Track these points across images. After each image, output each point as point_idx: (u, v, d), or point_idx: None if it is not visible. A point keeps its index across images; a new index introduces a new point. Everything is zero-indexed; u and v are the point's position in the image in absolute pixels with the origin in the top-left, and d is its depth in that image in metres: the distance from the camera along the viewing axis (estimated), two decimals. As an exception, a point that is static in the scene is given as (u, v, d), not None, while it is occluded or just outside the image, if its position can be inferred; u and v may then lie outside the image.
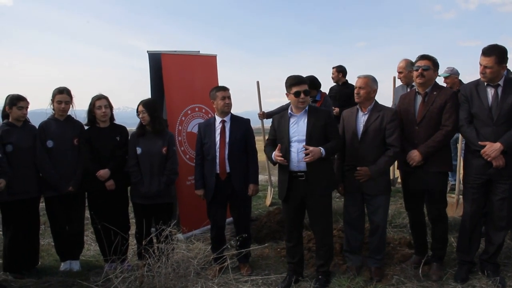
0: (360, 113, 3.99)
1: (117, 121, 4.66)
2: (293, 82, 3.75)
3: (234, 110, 4.43)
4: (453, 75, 5.65)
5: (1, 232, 4.52)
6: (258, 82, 6.49)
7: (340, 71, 7.04)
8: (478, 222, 3.84)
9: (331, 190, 3.97)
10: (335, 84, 7.18)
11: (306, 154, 3.61)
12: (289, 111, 3.87)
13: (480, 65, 3.59)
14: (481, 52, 3.65)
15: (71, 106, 4.43)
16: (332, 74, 7.10)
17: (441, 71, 4.95)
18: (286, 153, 3.79)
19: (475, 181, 3.75)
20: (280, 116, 3.97)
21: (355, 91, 3.94)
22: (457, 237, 4.08)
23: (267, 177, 7.07)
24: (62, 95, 4.33)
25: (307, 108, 3.81)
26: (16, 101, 4.19)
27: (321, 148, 3.62)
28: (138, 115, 4.37)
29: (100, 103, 4.36)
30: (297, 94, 3.72)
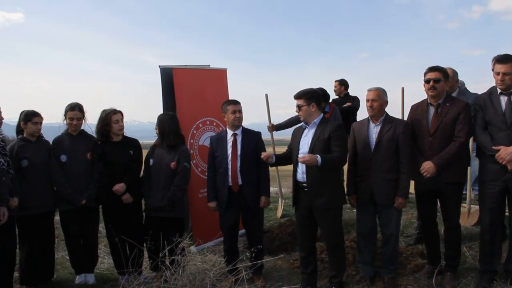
0: (372, 124, 4.04)
1: (125, 134, 4.67)
2: (294, 97, 3.94)
3: (240, 123, 4.49)
4: (460, 86, 5.71)
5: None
6: (266, 95, 6.53)
7: (343, 84, 7.15)
8: (497, 231, 3.81)
9: (337, 204, 3.91)
10: (337, 97, 7.27)
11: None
12: (303, 123, 3.97)
13: (498, 73, 3.62)
14: (494, 61, 3.70)
15: (83, 121, 4.49)
16: (335, 87, 7.19)
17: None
18: (295, 163, 3.93)
19: (491, 189, 3.74)
20: (298, 128, 4.07)
21: (368, 104, 3.98)
22: (479, 249, 4.05)
23: (277, 189, 7.09)
24: (74, 112, 4.38)
25: (316, 120, 3.88)
26: (31, 117, 4.27)
27: (318, 156, 3.63)
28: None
29: (116, 117, 4.40)
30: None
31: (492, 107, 3.72)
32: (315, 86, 5.93)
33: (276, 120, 6.52)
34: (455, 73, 4.72)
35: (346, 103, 6.80)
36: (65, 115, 4.41)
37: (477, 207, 5.26)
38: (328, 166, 3.70)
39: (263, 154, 4.03)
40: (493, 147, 3.64)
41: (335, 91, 7.20)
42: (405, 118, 4.40)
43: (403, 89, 6.26)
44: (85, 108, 4.50)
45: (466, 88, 5.84)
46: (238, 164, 4.30)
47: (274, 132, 6.51)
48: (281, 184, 7.01)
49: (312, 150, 3.77)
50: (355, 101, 6.89)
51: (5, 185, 3.76)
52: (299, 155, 3.82)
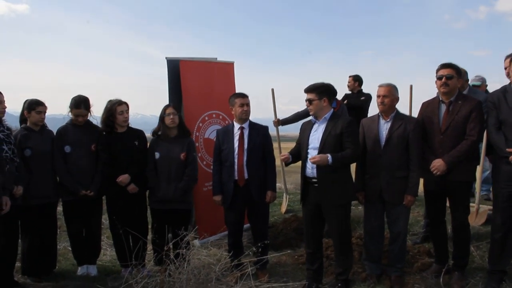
0: (382, 121, 3.97)
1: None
2: (304, 90, 3.87)
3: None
4: (483, 84, 5.65)
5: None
6: (272, 90, 6.48)
7: (357, 80, 7.12)
8: (508, 231, 3.74)
9: (347, 200, 3.88)
10: (350, 92, 7.22)
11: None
12: (312, 118, 3.90)
13: None
14: (510, 59, 3.64)
15: (89, 114, 4.42)
16: (348, 82, 7.17)
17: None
18: (304, 159, 3.87)
19: (504, 188, 3.66)
20: (307, 123, 4.02)
21: (379, 100, 3.91)
22: (489, 248, 4.00)
23: (282, 184, 7.03)
24: (79, 110, 4.29)
25: (327, 115, 3.81)
26: (35, 106, 4.20)
27: (329, 155, 3.59)
28: (165, 117, 4.35)
29: (121, 108, 4.34)
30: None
31: (506, 106, 3.63)
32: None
33: (278, 117, 6.47)
34: (465, 73, 4.66)
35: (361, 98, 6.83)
36: (70, 110, 4.34)
37: (486, 207, 5.21)
38: (339, 164, 3.66)
39: (283, 156, 4.00)
40: (507, 149, 3.55)
41: (348, 86, 7.20)
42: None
43: (411, 86, 6.19)
44: (91, 101, 4.41)
45: (487, 87, 5.78)
46: (245, 158, 4.24)
47: (279, 127, 6.46)
48: (286, 179, 6.95)
49: (323, 146, 3.72)
50: (368, 97, 6.86)
51: (9, 174, 3.71)
52: (309, 154, 3.79)
